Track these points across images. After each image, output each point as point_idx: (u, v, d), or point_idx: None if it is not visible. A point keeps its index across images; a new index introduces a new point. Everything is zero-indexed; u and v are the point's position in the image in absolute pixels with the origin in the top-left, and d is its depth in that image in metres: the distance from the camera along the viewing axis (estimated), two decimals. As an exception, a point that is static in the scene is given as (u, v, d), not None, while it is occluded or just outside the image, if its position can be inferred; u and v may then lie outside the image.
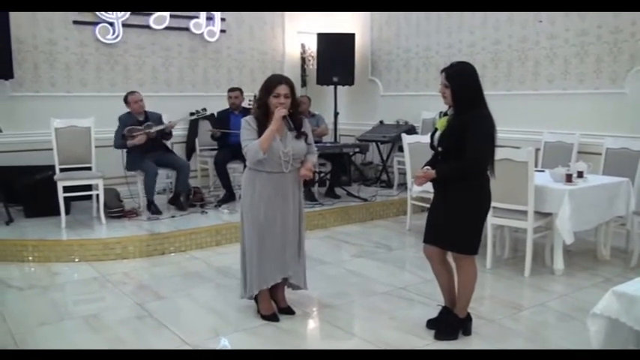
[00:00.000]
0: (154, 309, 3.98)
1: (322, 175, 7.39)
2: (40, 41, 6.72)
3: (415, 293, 4.25)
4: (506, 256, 5.11)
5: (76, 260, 5.08)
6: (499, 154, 4.50)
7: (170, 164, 6.28)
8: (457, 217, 3.33)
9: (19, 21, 6.52)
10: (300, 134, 3.65)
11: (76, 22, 6.90)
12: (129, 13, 7.16)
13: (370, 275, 4.72)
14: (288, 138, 3.62)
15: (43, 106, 6.63)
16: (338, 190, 7.10)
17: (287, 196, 3.71)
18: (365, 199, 6.84)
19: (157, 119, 6.30)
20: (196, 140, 7.62)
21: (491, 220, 4.75)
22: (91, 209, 6.12)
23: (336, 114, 8.41)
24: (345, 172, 7.87)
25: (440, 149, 3.41)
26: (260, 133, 3.52)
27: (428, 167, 3.44)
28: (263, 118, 3.57)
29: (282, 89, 3.57)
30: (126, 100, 6.25)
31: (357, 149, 7.03)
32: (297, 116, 3.66)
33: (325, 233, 6.13)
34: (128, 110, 6.26)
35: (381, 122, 8.10)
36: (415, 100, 7.72)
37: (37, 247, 5.08)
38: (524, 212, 4.53)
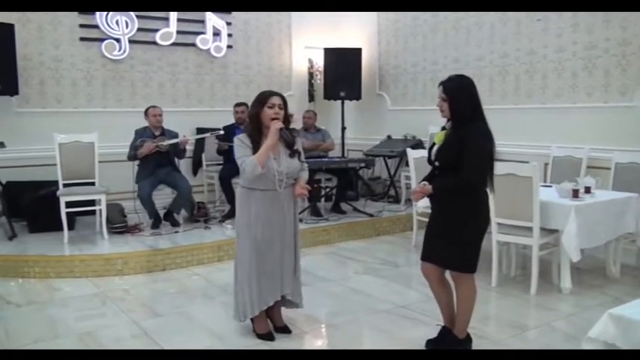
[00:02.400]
0: (149, 327, 3.92)
1: (328, 190, 7.32)
2: (46, 58, 6.76)
3: (418, 312, 4.15)
4: (513, 274, 4.99)
5: (77, 276, 5.04)
6: (503, 168, 4.46)
7: (173, 184, 6.23)
8: (454, 234, 3.24)
9: (26, 39, 6.57)
10: (293, 152, 3.59)
11: (82, 39, 6.94)
12: (135, 29, 7.19)
13: (373, 293, 4.62)
14: (281, 157, 3.55)
15: (49, 121, 6.64)
16: (344, 206, 7.02)
17: (283, 213, 3.65)
18: (371, 215, 6.75)
19: (173, 137, 6.27)
20: (203, 155, 7.60)
21: (496, 236, 4.65)
22: (95, 224, 6.10)
23: (343, 129, 8.35)
24: (351, 187, 7.79)
25: (437, 164, 3.34)
26: (254, 150, 3.45)
27: (425, 182, 3.36)
28: (256, 134, 3.50)
29: (276, 100, 3.52)
30: (146, 113, 6.26)
31: (362, 164, 6.96)
32: (290, 132, 3.61)
33: (329, 249, 6.04)
34: (146, 124, 6.26)
35: (389, 137, 8.03)
36: (423, 115, 7.64)
37: (38, 262, 5.06)
38: (530, 229, 4.42)
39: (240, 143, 3.48)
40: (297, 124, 6.34)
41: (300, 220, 6.45)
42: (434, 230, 3.39)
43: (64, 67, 6.89)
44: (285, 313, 3.85)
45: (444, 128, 3.38)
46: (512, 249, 5.02)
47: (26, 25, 6.58)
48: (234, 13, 7.91)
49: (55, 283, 4.91)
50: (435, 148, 3.36)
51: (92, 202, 5.82)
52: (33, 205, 5.93)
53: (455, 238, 3.24)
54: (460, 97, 3.22)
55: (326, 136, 7.50)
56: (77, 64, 6.97)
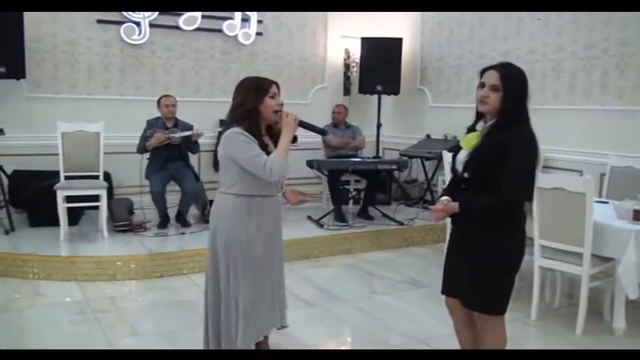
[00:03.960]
0: (123, 348, 3.40)
1: (355, 193, 6.69)
2: (60, 41, 6.35)
3: (437, 347, 3.49)
4: (557, 304, 4.25)
5: (66, 279, 4.60)
6: (550, 181, 3.74)
7: (179, 181, 5.72)
8: (482, 267, 2.57)
9: (39, 19, 6.17)
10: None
11: (100, 22, 6.50)
12: (157, 12, 6.71)
13: (387, 320, 3.99)
14: (271, 147, 2.97)
15: (62, 108, 6.24)
16: (372, 211, 6.37)
17: (279, 222, 3.10)
18: (400, 223, 6.08)
19: (187, 130, 5.78)
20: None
21: (539, 260, 3.94)
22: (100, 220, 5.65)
23: (378, 126, 7.68)
24: (384, 190, 7.13)
25: (465, 175, 2.65)
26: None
27: (447, 198, 2.70)
28: (257, 130, 2.90)
29: (276, 88, 2.95)
30: (158, 103, 5.82)
31: (394, 166, 6.28)
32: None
33: (350, 261, 5.42)
34: (158, 115, 5.81)
35: (428, 136, 7.31)
36: (467, 113, 6.78)
37: (27, 262, 4.64)
38: (580, 255, 3.68)
39: (246, 139, 2.81)
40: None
41: (321, 226, 5.91)
42: (455, 259, 2.74)
43: (79, 51, 6.46)
44: (272, 337, 3.25)
45: (473, 129, 2.70)
46: (558, 275, 4.28)
47: (39, 5, 6.18)
48: (265, -3, 7.35)
49: (41, 286, 4.47)
50: (463, 155, 2.67)
51: (96, 197, 5.35)
52: (34, 197, 5.54)
53: (482, 273, 2.57)
54: (519, 88, 2.53)
55: (357, 133, 6.86)
56: (93, 48, 6.54)
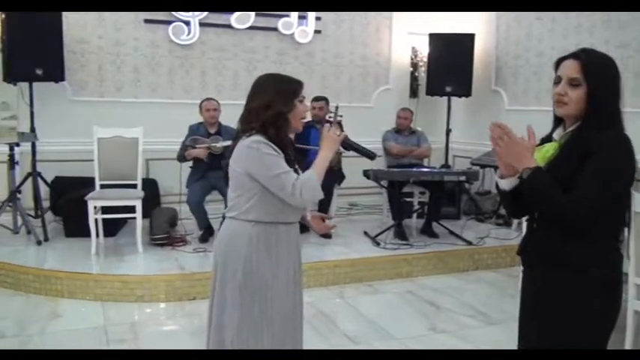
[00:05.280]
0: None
1: (419, 207, 6.00)
2: (106, 42, 6.04)
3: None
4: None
5: (90, 298, 4.20)
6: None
7: (221, 192, 5.19)
8: (564, 323, 1.87)
9: (84, 19, 5.89)
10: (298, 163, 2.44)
11: (147, 21, 6.15)
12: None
13: (445, 365, 3.30)
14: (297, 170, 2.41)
15: (107, 112, 5.94)
16: (437, 227, 5.64)
17: (301, 256, 2.52)
18: (469, 242, 5.33)
19: (231, 136, 5.29)
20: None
21: (633, 304, 3.15)
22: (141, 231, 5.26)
23: (448, 131, 6.95)
24: (453, 203, 6.40)
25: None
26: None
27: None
28: (283, 138, 2.32)
29: (303, 93, 2.40)
30: (200, 107, 5.40)
31: (462, 177, 5.53)
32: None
33: (408, 286, 4.74)
34: (201, 120, 5.39)
35: (503, 143, 6.50)
36: (548, 117, 6.00)
37: (50, 278, 4.27)
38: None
39: (273, 152, 2.24)
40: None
41: (378, 244, 5.27)
42: (529, 303, 2.06)
43: (125, 52, 6.14)
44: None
45: (548, 140, 2.03)
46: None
47: (84, 4, 5.90)
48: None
49: (61, 306, 4.09)
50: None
51: (132, 208, 4.96)
52: (69, 206, 5.21)
53: (563, 331, 1.88)
54: (607, 81, 1.86)
55: (422, 139, 6.17)
56: (141, 49, 6.20)
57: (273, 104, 2.28)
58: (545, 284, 1.95)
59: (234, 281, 2.33)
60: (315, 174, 2.26)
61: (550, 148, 1.97)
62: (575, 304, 1.84)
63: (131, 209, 4.90)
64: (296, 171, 2.31)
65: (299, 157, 2.50)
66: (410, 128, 6.18)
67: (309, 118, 5.80)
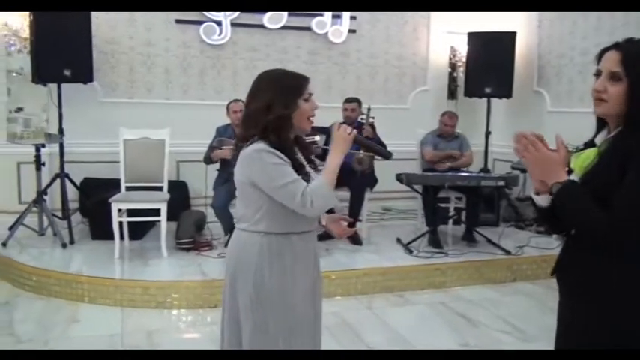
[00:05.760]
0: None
1: (454, 214, 5.73)
2: (137, 42, 5.98)
3: None
4: None
5: (110, 304, 4.11)
6: None
7: None
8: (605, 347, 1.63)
9: (114, 20, 5.85)
10: (313, 163, 2.27)
11: (178, 21, 6.07)
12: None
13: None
14: (306, 168, 2.22)
15: (138, 113, 5.86)
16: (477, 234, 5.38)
17: (319, 263, 2.34)
18: (507, 251, 5.04)
19: None
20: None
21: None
22: (166, 235, 5.17)
23: (487, 134, 6.65)
24: (491, 209, 6.11)
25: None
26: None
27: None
28: (287, 143, 2.12)
29: (310, 89, 2.19)
30: (227, 109, 5.29)
31: (501, 183, 5.24)
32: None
33: (440, 297, 4.49)
34: (229, 121, 5.28)
35: (545, 147, 6.17)
36: (593, 120, 5.69)
37: (71, 282, 4.21)
38: None
39: (277, 159, 2.05)
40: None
41: (410, 252, 5.03)
42: (562, 325, 1.82)
43: (156, 53, 6.07)
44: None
45: (591, 145, 1.79)
46: None
47: (115, 4, 5.86)
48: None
49: (81, 311, 4.02)
50: (574, 179, 1.76)
51: (157, 211, 4.86)
52: (95, 208, 5.15)
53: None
54: None
55: (464, 145, 5.85)
56: (172, 49, 6.12)
57: (273, 105, 2.08)
58: (579, 307, 1.72)
59: (244, 295, 2.16)
60: (325, 180, 2.07)
61: (590, 155, 1.73)
62: (612, 329, 1.60)
63: (157, 212, 4.81)
64: (307, 177, 2.12)
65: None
66: (453, 133, 5.89)
67: (341, 119, 5.63)
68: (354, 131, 2.19)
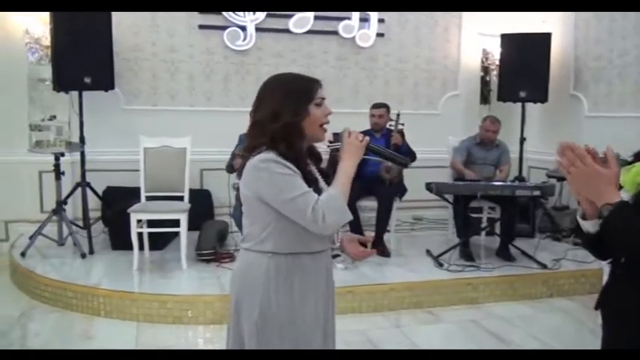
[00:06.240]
0: None
1: (487, 226, 5.46)
2: (160, 49, 5.89)
3: None
4: None
5: (126, 318, 3.99)
6: None
7: None
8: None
9: (137, 27, 5.77)
10: (325, 175, 2.09)
11: (202, 27, 5.96)
12: (264, 14, 6.04)
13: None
14: (320, 183, 2.03)
15: (161, 121, 5.76)
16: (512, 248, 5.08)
17: (333, 284, 2.15)
18: (543, 265, 4.76)
19: None
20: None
21: None
22: (189, 245, 5.02)
23: (522, 140, 6.35)
24: (526, 219, 5.82)
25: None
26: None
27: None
28: (298, 153, 1.93)
29: (322, 91, 2.00)
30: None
31: (536, 192, 4.95)
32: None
33: (472, 314, 4.25)
34: None
35: (583, 153, 5.85)
36: (635, 125, 5.37)
37: (86, 295, 4.09)
38: None
39: (286, 170, 1.86)
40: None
41: (440, 265, 4.79)
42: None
43: (179, 59, 5.97)
44: None
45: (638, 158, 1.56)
46: None
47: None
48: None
49: (96, 326, 3.90)
50: (625, 196, 1.54)
51: (177, 222, 4.72)
52: (116, 218, 5.05)
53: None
54: None
55: (503, 157, 5.53)
56: (195, 55, 6.01)
57: (281, 113, 1.91)
58: (631, 337, 1.50)
59: (250, 322, 1.97)
60: (338, 192, 1.88)
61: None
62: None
63: (176, 223, 4.67)
64: (320, 192, 1.93)
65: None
66: (494, 140, 5.57)
67: (368, 126, 5.43)
68: (367, 138, 1.99)
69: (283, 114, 1.91)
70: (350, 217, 1.92)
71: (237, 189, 4.50)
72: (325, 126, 2.01)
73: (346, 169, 1.94)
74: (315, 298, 2.02)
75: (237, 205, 4.89)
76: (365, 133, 5.68)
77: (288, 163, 1.87)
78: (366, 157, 2.05)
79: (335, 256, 4.93)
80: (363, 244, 2.21)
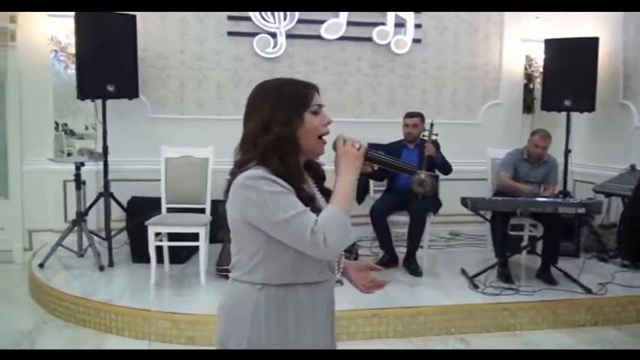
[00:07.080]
0: None
1: (527, 245, 5.09)
2: (188, 56, 5.76)
3: None
4: None
5: (139, 337, 3.82)
6: None
7: None
8: None
9: (165, 34, 5.66)
10: (325, 191, 1.82)
11: (230, 34, 5.80)
12: (295, 20, 5.84)
13: None
14: (319, 202, 1.78)
15: (189, 130, 5.64)
16: (555, 271, 4.69)
17: (334, 319, 1.89)
18: (588, 290, 4.38)
19: None
20: (370, 180, 5.86)
21: None
22: (210, 260, 4.83)
23: (567, 152, 5.93)
24: (570, 237, 5.42)
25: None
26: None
27: None
28: (292, 168, 1.68)
29: (319, 97, 1.77)
30: None
31: (582, 209, 4.56)
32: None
33: (507, 342, 3.91)
34: None
35: (633, 167, 5.41)
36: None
37: (99, 311, 3.94)
38: None
39: (278, 187, 1.61)
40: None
41: (476, 287, 4.46)
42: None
43: (208, 67, 5.82)
44: None
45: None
46: None
47: (166, 18, 5.65)
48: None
49: (106, 343, 3.75)
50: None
51: (196, 235, 4.54)
52: (136, 230, 4.90)
53: None
54: None
55: (551, 174, 5.09)
56: (224, 62, 5.86)
57: (272, 123, 1.67)
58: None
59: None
60: (338, 208, 1.63)
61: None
62: None
63: (196, 236, 4.49)
64: (316, 210, 1.67)
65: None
66: (543, 157, 5.10)
67: (401, 136, 5.16)
68: (364, 145, 1.73)
69: (274, 124, 1.68)
70: (353, 238, 1.66)
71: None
72: (325, 138, 1.76)
73: (344, 182, 1.69)
74: (314, 335, 1.77)
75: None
76: (397, 144, 5.45)
77: (279, 180, 1.63)
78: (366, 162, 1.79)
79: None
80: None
